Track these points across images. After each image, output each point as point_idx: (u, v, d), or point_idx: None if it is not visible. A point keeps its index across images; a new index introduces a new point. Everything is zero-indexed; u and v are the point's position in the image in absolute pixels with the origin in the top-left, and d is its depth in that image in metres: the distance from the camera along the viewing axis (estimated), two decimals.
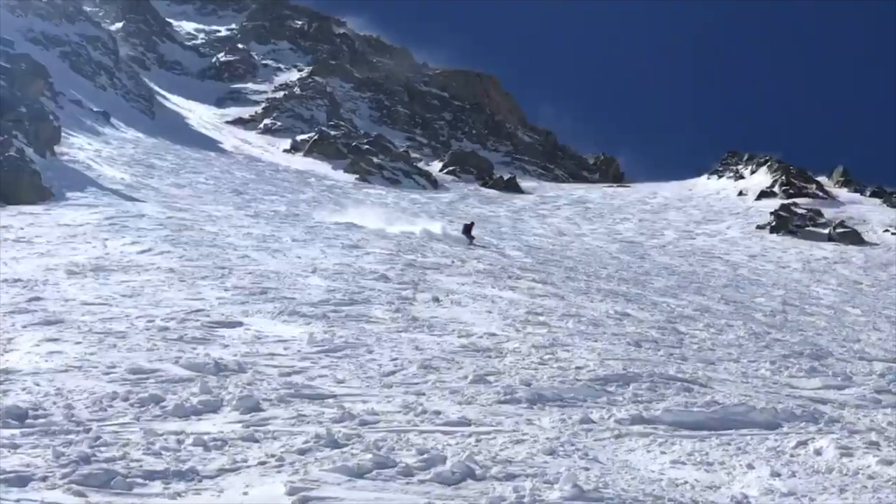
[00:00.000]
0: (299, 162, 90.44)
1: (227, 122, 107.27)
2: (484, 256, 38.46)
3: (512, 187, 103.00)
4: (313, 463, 9.45)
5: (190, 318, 17.12)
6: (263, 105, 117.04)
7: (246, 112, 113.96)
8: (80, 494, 8.13)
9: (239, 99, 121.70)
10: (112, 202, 34.81)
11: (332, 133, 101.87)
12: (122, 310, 17.26)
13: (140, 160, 55.35)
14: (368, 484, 8.96)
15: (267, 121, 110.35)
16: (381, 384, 13.86)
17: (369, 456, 9.62)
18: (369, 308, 20.80)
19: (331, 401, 12.40)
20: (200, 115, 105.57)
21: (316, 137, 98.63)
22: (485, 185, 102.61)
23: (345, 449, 10.01)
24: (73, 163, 43.99)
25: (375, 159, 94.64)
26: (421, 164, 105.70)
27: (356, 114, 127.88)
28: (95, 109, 71.15)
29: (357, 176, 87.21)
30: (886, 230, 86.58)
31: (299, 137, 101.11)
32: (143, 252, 24.72)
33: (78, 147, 51.56)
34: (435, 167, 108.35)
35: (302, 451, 9.81)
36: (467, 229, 46.81)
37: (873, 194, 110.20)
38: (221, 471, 9.08)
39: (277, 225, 37.49)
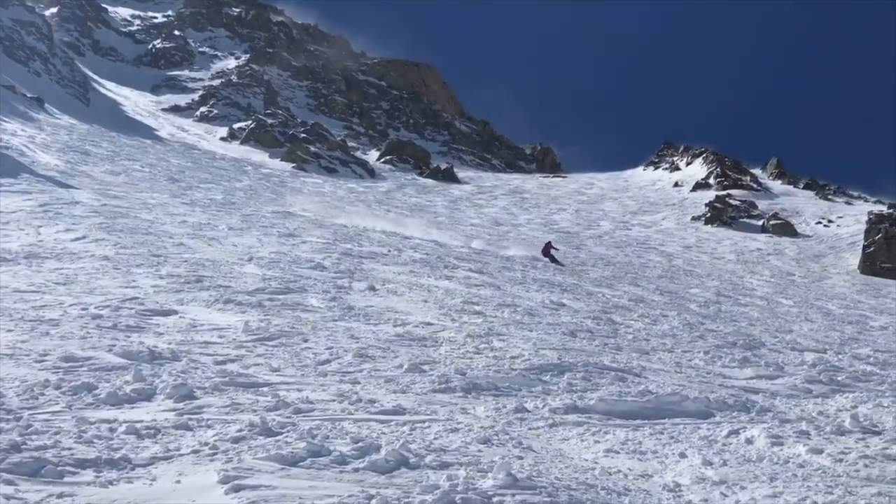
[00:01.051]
0: (236, 150, 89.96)
1: (164, 110, 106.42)
2: (420, 246, 38.46)
3: (449, 177, 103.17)
4: (247, 451, 9.39)
5: (124, 306, 16.96)
6: (200, 93, 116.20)
7: (182, 100, 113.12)
8: (10, 483, 8.04)
9: (175, 86, 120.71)
10: (46, 189, 34.39)
11: (269, 121, 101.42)
12: (55, 297, 17.06)
13: (74, 147, 54.72)
14: (302, 472, 8.93)
15: (203, 108, 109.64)
16: (316, 373, 13.82)
17: (303, 444, 9.58)
18: (305, 297, 20.74)
19: (265, 389, 12.34)
20: (136, 102, 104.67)
21: (253, 126, 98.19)
22: (422, 174, 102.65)
23: (279, 437, 9.96)
24: (5, 149, 43.44)
25: (312, 148, 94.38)
26: (358, 153, 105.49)
27: (293, 102, 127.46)
28: (29, 95, 70.30)
29: (294, 164, 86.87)
30: (819, 222, 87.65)
31: (236, 125, 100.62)
32: (77, 239, 24.45)
33: (11, 133, 50.92)
34: (372, 156, 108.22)
35: (236, 440, 9.75)
36: (547, 250, 45.61)
37: (806, 186, 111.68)
38: (154, 459, 9.01)
39: (214, 213, 37.26)
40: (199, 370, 12.94)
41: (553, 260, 43.91)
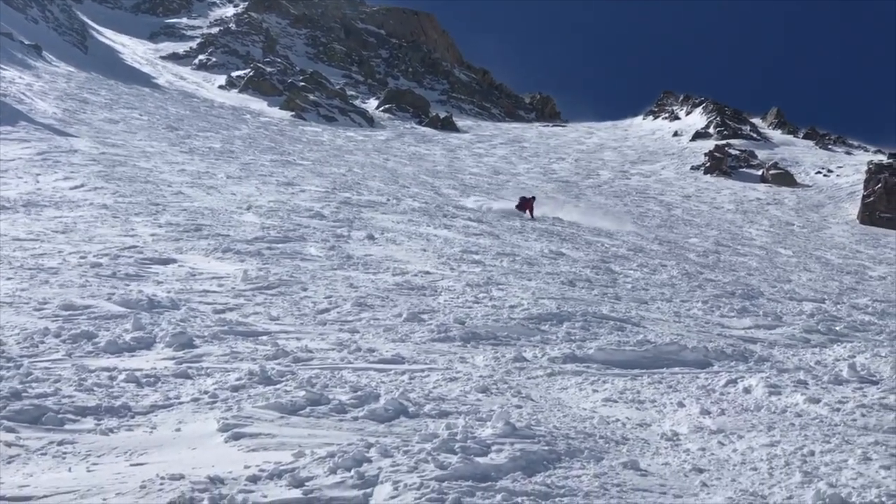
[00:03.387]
0: (234, 98, 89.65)
1: (162, 58, 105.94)
2: (419, 195, 38.42)
3: (448, 126, 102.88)
4: (246, 400, 9.42)
5: (123, 255, 16.94)
6: (198, 41, 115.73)
7: (180, 47, 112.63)
8: (11, 430, 8.06)
9: (173, 34, 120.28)
10: (44, 137, 34.28)
11: (268, 69, 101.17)
12: (54, 246, 17.03)
13: (73, 95, 54.49)
14: (301, 421, 8.96)
15: (202, 56, 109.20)
16: (315, 321, 13.84)
17: (302, 393, 9.60)
18: (304, 245, 20.73)
19: (265, 338, 12.36)
20: (134, 50, 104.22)
21: (251, 74, 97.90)
22: (421, 123, 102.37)
23: (278, 386, 9.98)
24: (3, 96, 43.23)
25: (311, 96, 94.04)
26: (357, 102, 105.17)
27: (292, 50, 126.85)
28: (27, 42, 69.94)
29: (293, 113, 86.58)
30: (818, 172, 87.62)
31: (234, 74, 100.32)
32: (75, 188, 24.38)
33: (9, 80, 50.69)
34: (371, 105, 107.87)
35: (235, 388, 9.77)
36: (524, 204, 40.58)
37: (806, 136, 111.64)
38: (154, 407, 9.03)
39: (212, 162, 37.17)
40: (199, 319, 12.95)
41: (530, 214, 39.91)
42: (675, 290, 22.29)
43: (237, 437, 8.27)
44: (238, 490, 7.01)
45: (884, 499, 8.00)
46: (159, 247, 18.32)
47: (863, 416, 11.26)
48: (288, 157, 46.85)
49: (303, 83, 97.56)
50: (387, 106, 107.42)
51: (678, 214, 55.23)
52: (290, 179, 34.93)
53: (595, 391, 11.85)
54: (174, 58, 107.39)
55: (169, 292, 14.41)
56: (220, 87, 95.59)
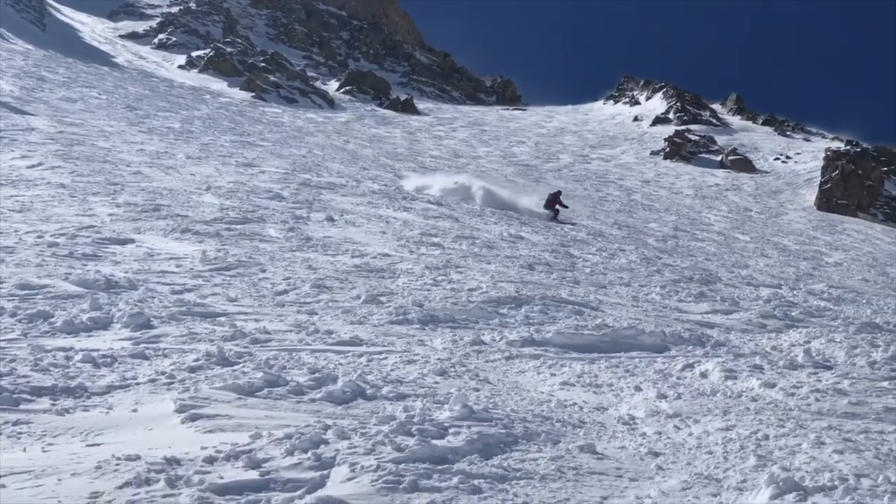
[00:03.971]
0: (194, 78, 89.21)
1: (121, 37, 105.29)
2: (379, 177, 38.39)
3: (408, 108, 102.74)
4: (204, 381, 9.39)
5: (81, 234, 16.82)
6: (158, 20, 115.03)
7: (140, 26, 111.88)
8: None
9: (133, 13, 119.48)
10: (0, 115, 34.06)
11: (228, 50, 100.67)
12: (10, 225, 16.89)
13: (30, 72, 54.07)
14: (259, 402, 8.95)
15: (162, 36, 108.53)
16: (273, 303, 13.82)
17: (260, 374, 9.59)
18: (263, 227, 20.69)
19: (223, 319, 12.34)
20: (93, 29, 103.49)
21: (212, 54, 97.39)
22: (381, 105, 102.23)
23: (236, 367, 9.96)
24: None
25: (272, 77, 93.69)
26: (318, 84, 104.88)
27: (253, 31, 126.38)
28: None
29: (253, 94, 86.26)
30: (777, 158, 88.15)
31: (194, 53, 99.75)
32: (32, 167, 24.21)
33: None
34: (332, 87, 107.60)
35: (192, 369, 9.73)
36: (552, 202, 38.14)
37: (765, 122, 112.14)
38: (110, 388, 8.99)
39: (171, 142, 36.99)
40: (156, 299, 12.90)
41: (553, 216, 37.06)
42: (633, 275, 22.38)
43: (194, 418, 8.25)
44: (194, 471, 7.00)
45: (836, 483, 8.08)
46: (117, 227, 18.22)
47: (817, 400, 11.36)
48: (248, 138, 46.66)
49: (263, 64, 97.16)
50: (347, 88, 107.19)
51: (637, 199, 55.41)
52: (250, 160, 34.82)
53: (553, 375, 11.91)
54: (133, 37, 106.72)
55: (127, 272, 14.33)
56: (180, 66, 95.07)
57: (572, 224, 35.15)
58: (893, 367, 13.54)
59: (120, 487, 6.64)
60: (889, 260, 43.65)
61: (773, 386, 11.95)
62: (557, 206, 37.46)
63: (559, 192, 39.06)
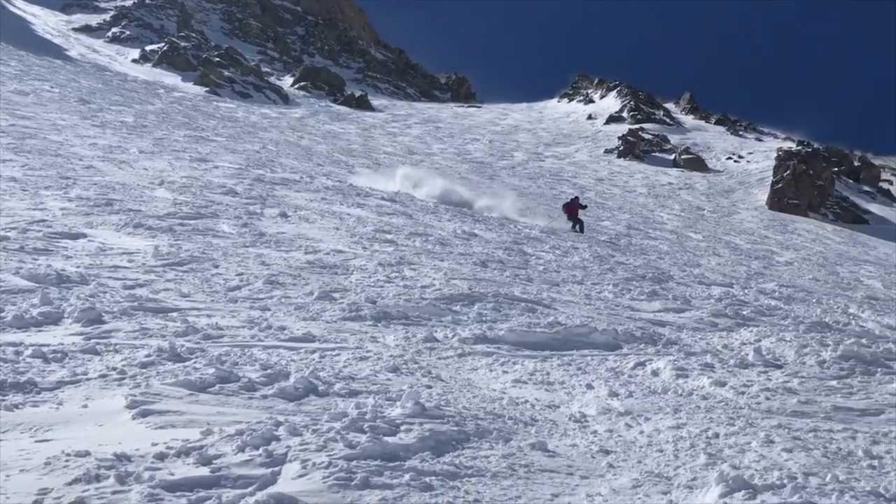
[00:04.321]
0: (148, 72, 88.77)
1: (74, 30, 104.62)
2: (333, 174, 38.32)
3: (363, 105, 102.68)
4: (155, 376, 9.33)
5: (32, 229, 16.68)
6: (112, 13, 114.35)
7: (94, 20, 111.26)
8: None
9: (86, 6, 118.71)
10: None
11: (183, 44, 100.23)
12: None
13: None
14: (210, 398, 8.92)
15: (115, 29, 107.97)
16: (226, 299, 13.75)
17: (212, 370, 9.55)
18: (216, 222, 20.60)
19: (175, 314, 12.27)
20: (46, 21, 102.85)
21: (165, 48, 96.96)
22: (336, 101, 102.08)
23: (187, 363, 9.91)
24: None
25: (226, 72, 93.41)
26: (272, 79, 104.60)
27: (207, 25, 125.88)
28: None
29: (207, 88, 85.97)
30: (729, 157, 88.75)
31: (149, 48, 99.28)
32: None
33: None
34: (286, 82, 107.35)
35: (144, 365, 9.67)
36: (572, 207, 37.17)
37: (718, 122, 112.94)
38: (60, 383, 8.92)
39: (124, 136, 36.77)
40: (108, 294, 12.81)
41: (577, 225, 36.06)
42: (586, 273, 22.44)
43: (145, 414, 8.20)
44: (145, 467, 6.96)
45: (785, 481, 8.14)
46: (69, 221, 18.08)
47: (767, 399, 11.44)
48: (202, 132, 46.51)
49: (218, 59, 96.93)
50: (302, 83, 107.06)
51: (591, 197, 55.55)
52: (204, 155, 34.69)
53: (505, 372, 11.92)
54: (87, 30, 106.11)
55: (78, 267, 14.22)
56: (134, 60, 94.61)
57: (581, 232, 34.79)
58: (842, 367, 13.65)
59: (69, 484, 6.60)
60: (839, 259, 44.04)
61: (723, 384, 12.03)
62: (578, 213, 36.57)
63: (577, 198, 38.39)
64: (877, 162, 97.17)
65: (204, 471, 7.05)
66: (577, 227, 35.89)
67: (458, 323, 14.45)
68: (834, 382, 12.60)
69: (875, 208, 76.29)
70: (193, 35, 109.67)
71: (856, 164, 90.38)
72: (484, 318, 14.91)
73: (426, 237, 23.79)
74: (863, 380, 12.95)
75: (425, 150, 70.48)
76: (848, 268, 40.36)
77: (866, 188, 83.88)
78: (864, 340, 16.40)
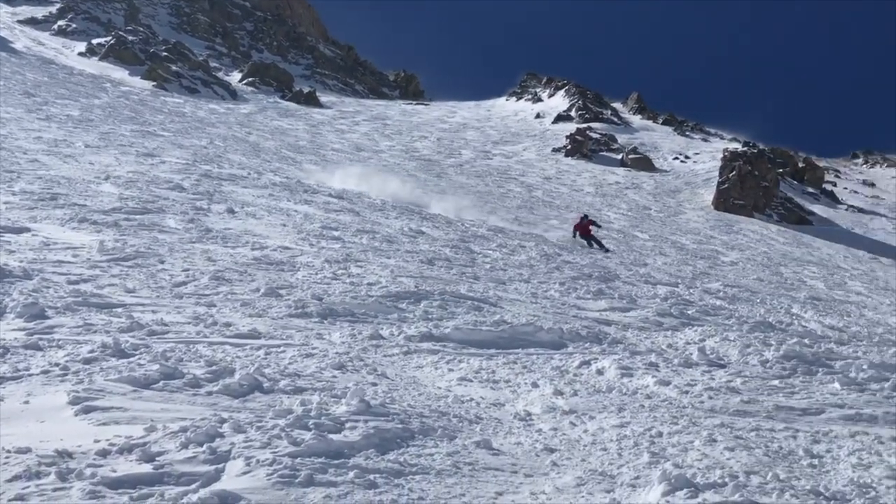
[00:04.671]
0: (95, 66, 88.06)
1: (20, 22, 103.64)
2: (280, 170, 38.21)
3: (311, 101, 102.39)
4: (98, 373, 9.27)
5: None
6: (58, 6, 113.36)
7: (39, 12, 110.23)
8: None
9: None
10: None
11: (130, 38, 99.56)
12: None
13: None
14: (154, 395, 8.87)
15: (61, 22, 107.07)
16: (171, 294, 13.68)
17: (156, 366, 9.50)
18: (163, 217, 20.48)
19: (119, 310, 12.19)
20: None
21: (113, 42, 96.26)
22: (284, 97, 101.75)
23: (132, 359, 9.86)
24: None
25: (174, 67, 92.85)
26: (220, 74, 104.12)
27: (155, 20, 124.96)
28: None
29: (154, 83, 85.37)
30: (676, 157, 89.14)
31: (95, 41, 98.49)
32: None
33: None
34: (234, 78, 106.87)
35: (87, 361, 9.60)
36: (580, 226, 35.33)
37: (665, 122, 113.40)
38: (1, 379, 8.82)
39: (70, 130, 36.48)
40: (52, 289, 12.69)
41: (592, 242, 34.41)
42: (533, 272, 22.50)
43: (88, 410, 8.15)
44: (87, 464, 6.93)
45: (727, 479, 8.21)
46: (13, 215, 17.92)
47: (710, 398, 11.53)
48: (148, 127, 46.21)
49: (165, 53, 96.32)
50: (250, 79, 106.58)
51: (538, 196, 55.76)
52: (151, 150, 34.46)
53: (451, 370, 11.94)
54: (32, 22, 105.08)
55: (21, 262, 14.09)
56: (80, 54, 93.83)
57: (607, 251, 33.45)
58: (784, 366, 13.80)
59: (9, 481, 6.56)
60: (783, 260, 44.39)
61: (667, 384, 12.11)
62: (591, 231, 34.99)
63: (585, 216, 36.22)
64: (821, 164, 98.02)
65: (147, 468, 7.02)
66: (595, 244, 34.10)
67: (404, 321, 14.45)
68: (776, 382, 12.74)
69: (819, 209, 76.96)
70: (141, 29, 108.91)
71: (800, 165, 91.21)
72: (430, 316, 14.91)
73: (373, 234, 23.77)
74: (804, 379, 13.11)
75: (373, 148, 70.41)
76: (792, 268, 40.69)
77: (810, 189, 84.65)
78: (806, 340, 16.62)
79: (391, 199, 35.82)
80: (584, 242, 34.36)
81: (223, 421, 8.17)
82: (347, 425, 8.56)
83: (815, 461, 9.24)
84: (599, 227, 36.11)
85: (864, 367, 14.18)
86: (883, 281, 42.97)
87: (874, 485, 8.59)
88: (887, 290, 38.43)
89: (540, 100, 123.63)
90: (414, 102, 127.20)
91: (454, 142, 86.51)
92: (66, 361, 9.51)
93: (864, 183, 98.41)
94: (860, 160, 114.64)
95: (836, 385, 12.77)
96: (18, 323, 10.86)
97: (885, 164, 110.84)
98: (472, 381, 11.53)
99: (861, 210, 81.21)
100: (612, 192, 67.65)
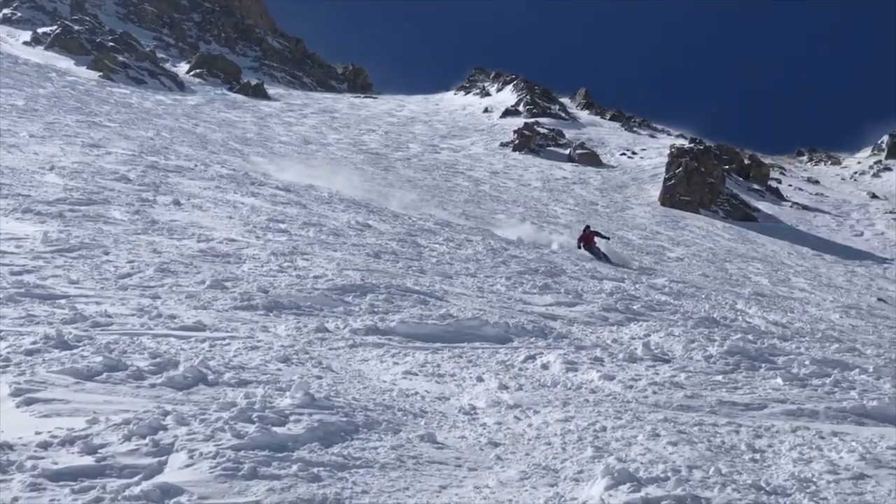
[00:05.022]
0: (40, 55, 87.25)
1: None
2: (228, 162, 38.04)
3: (259, 93, 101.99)
4: (41, 364, 9.21)
5: None
6: None
7: None
8: None
9: None
10: None
11: (76, 28, 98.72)
12: None
13: None
14: (97, 387, 8.82)
15: (6, 10, 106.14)
16: (116, 286, 13.59)
17: (100, 358, 9.44)
18: (108, 209, 20.34)
19: (63, 301, 12.11)
20: None
21: (58, 31, 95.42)
22: (232, 89, 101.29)
23: (75, 351, 9.79)
24: None
25: (120, 57, 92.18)
26: (167, 66, 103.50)
27: (101, 9, 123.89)
28: None
29: (101, 73, 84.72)
30: (623, 153, 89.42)
31: (41, 30, 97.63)
32: None
33: None
34: (182, 69, 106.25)
35: (29, 352, 9.54)
36: (584, 237, 33.70)
37: (613, 117, 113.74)
38: None
39: (14, 119, 36.13)
40: None
41: (598, 255, 32.49)
42: (479, 266, 22.52)
43: (29, 402, 8.09)
44: (27, 456, 6.88)
45: (669, 474, 8.25)
46: None
47: (654, 393, 11.60)
48: (94, 118, 45.86)
49: (112, 44, 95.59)
50: (198, 71, 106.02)
51: (486, 190, 55.81)
52: (96, 141, 34.20)
53: (396, 364, 11.94)
54: None
55: None
56: (26, 43, 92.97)
57: (627, 268, 31.02)
58: (728, 362, 13.91)
59: None
60: (728, 256, 44.69)
61: (612, 378, 12.16)
62: (596, 241, 33.30)
63: (588, 227, 34.76)
64: (766, 161, 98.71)
65: (88, 460, 6.98)
66: (602, 258, 32.13)
67: (349, 314, 14.45)
68: (719, 377, 12.85)
69: (764, 206, 77.53)
70: (87, 19, 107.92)
71: (746, 162, 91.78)
72: (376, 310, 14.91)
73: (320, 227, 23.72)
74: (747, 375, 13.23)
75: (321, 141, 70.23)
76: (737, 264, 40.98)
77: (756, 186, 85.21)
78: (749, 336, 16.78)
79: (348, 194, 35.71)
80: (588, 254, 32.44)
81: (166, 413, 8.13)
82: (292, 418, 8.54)
83: (757, 456, 9.31)
84: (607, 238, 34.47)
85: (807, 362, 14.35)
86: (826, 277, 43.38)
87: (814, 479, 8.67)
88: (830, 286, 38.80)
89: (488, 94, 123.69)
90: (362, 96, 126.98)
91: (402, 135, 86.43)
92: (8, 353, 9.44)
93: (809, 180, 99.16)
94: (805, 158, 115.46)
95: (779, 380, 12.89)
96: None
97: (829, 162, 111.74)
98: (417, 374, 11.53)
99: (805, 207, 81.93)
100: (559, 188, 67.81)
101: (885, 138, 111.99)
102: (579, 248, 33.11)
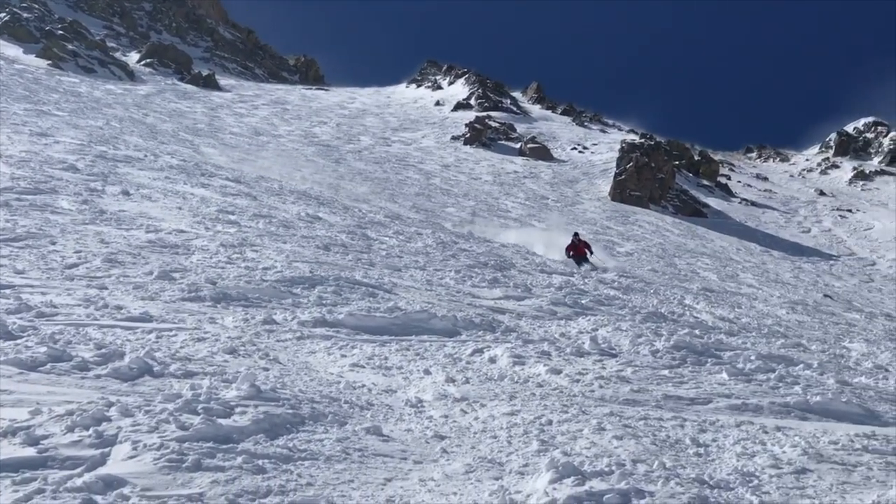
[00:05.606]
0: None
1: None
2: (178, 152, 37.86)
3: (210, 84, 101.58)
4: None
5: None
6: None
7: None
8: None
9: None
10: None
11: (25, 15, 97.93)
12: None
13: None
14: (41, 377, 8.77)
15: None
16: (62, 276, 13.50)
17: (44, 349, 9.39)
18: (55, 198, 20.18)
19: (7, 291, 12.00)
20: None
21: (6, 18, 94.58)
22: (183, 79, 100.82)
23: (18, 341, 9.73)
24: None
25: (70, 46, 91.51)
26: (118, 55, 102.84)
27: None
28: None
29: (50, 62, 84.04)
30: (574, 148, 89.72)
31: None
32: None
33: None
34: (132, 58, 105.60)
35: None
36: (572, 248, 32.75)
37: (564, 112, 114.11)
38: None
39: None
40: None
41: (581, 263, 31.45)
42: (429, 259, 22.53)
43: None
44: None
45: (613, 467, 8.30)
46: None
47: (600, 387, 11.65)
48: (43, 107, 45.51)
49: (61, 32, 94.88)
50: (148, 60, 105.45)
51: (436, 183, 55.87)
52: (45, 130, 33.94)
53: (343, 356, 11.93)
54: None
55: None
56: None
57: (603, 269, 30.59)
58: (675, 356, 14.00)
59: None
60: (677, 251, 44.96)
61: (559, 372, 12.21)
62: (585, 252, 32.42)
63: (577, 234, 33.60)
64: (716, 157, 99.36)
65: (30, 451, 6.94)
66: (588, 265, 31.23)
67: (297, 306, 14.41)
68: (666, 372, 12.92)
69: (713, 202, 78.16)
70: (36, 6, 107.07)
71: (696, 158, 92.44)
72: (324, 302, 14.88)
73: (270, 219, 23.64)
74: (693, 369, 13.32)
75: (272, 132, 70.05)
76: (685, 260, 41.26)
77: (705, 182, 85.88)
78: (696, 331, 16.90)
79: (298, 186, 35.65)
80: (576, 264, 30.94)
81: (111, 405, 8.09)
82: (237, 410, 8.53)
83: (701, 450, 9.38)
84: (591, 253, 32.93)
85: (752, 357, 14.49)
86: (773, 273, 43.74)
87: (757, 473, 8.74)
88: (777, 282, 39.13)
89: (440, 87, 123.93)
90: (314, 87, 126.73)
91: (353, 128, 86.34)
92: None
93: (758, 177, 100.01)
94: (754, 154, 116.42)
95: (724, 375, 12.99)
96: None
97: (778, 159, 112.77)
98: (364, 367, 11.54)
99: (754, 203, 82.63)
100: (510, 181, 67.96)
101: (833, 136, 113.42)
102: (568, 256, 32.12)
